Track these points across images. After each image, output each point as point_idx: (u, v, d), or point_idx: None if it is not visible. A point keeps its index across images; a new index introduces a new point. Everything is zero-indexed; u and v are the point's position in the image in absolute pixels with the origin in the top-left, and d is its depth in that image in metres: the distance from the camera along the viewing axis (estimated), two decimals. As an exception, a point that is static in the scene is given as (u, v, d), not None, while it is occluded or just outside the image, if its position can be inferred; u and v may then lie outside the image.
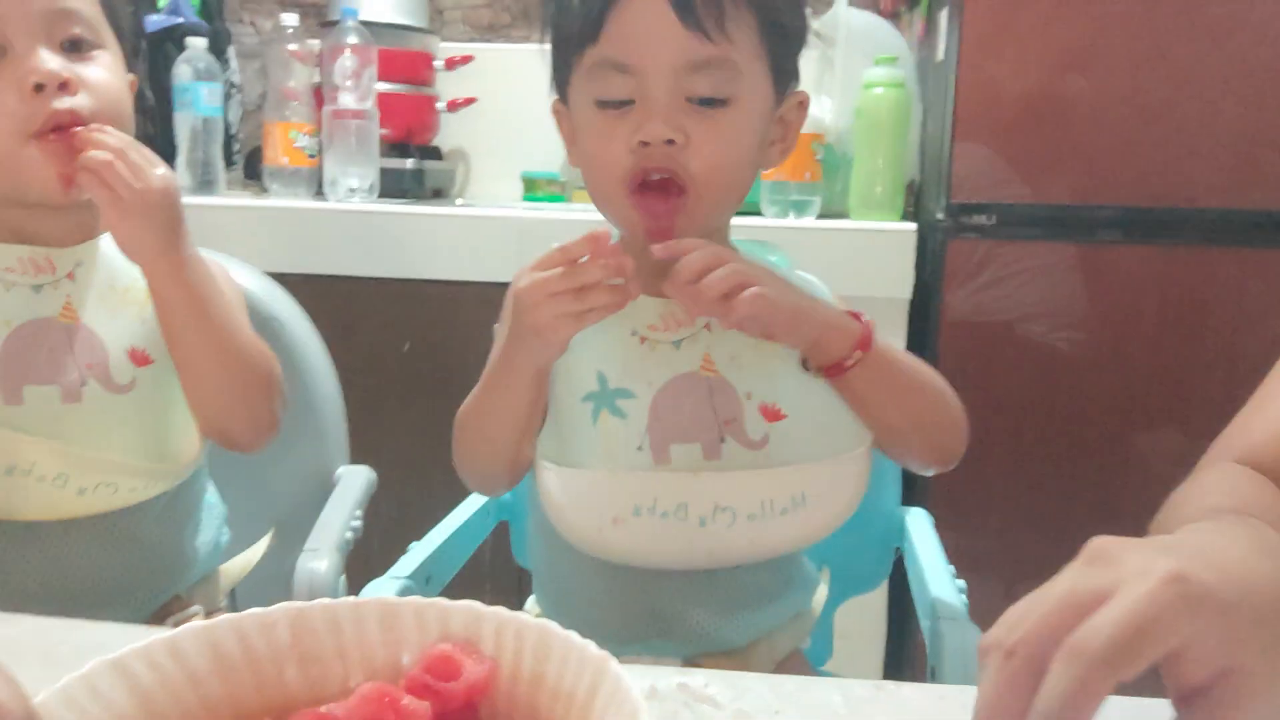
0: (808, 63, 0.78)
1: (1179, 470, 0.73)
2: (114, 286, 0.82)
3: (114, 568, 0.82)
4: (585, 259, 0.66)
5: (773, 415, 0.74)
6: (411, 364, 1.61)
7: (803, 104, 0.78)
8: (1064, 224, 1.51)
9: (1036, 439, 1.55)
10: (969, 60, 1.50)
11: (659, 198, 0.70)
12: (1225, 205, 1.47)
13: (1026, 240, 1.52)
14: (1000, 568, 1.55)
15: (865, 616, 1.57)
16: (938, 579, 0.86)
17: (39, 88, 0.74)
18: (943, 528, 0.99)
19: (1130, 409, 1.53)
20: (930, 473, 0.82)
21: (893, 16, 1.92)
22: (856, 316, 0.74)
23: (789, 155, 0.80)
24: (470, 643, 0.42)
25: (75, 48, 0.77)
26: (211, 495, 0.93)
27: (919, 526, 0.97)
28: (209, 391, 0.83)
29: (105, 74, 0.79)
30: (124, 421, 0.80)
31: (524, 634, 0.41)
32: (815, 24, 1.77)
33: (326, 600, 0.43)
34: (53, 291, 0.80)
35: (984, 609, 0.83)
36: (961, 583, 0.86)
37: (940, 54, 1.62)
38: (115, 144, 0.74)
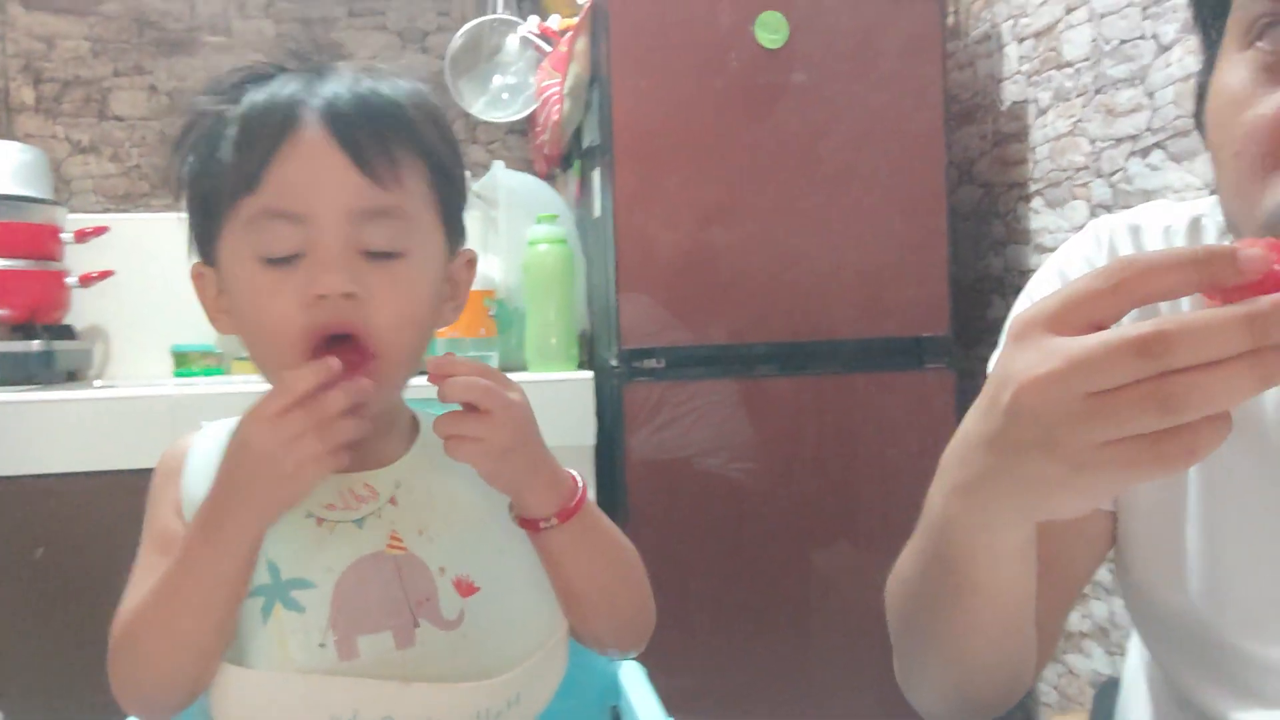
0: (472, 223, 0.77)
1: (857, 576, 0.76)
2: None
3: None
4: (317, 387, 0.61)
5: (467, 589, 0.69)
6: (44, 575, 1.39)
7: (471, 262, 0.77)
8: (726, 362, 1.61)
9: (725, 566, 1.61)
10: (624, 216, 1.59)
11: (344, 352, 0.64)
12: (859, 335, 1.64)
13: (694, 380, 1.60)
14: (713, 701, 1.56)
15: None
16: (656, 731, 0.84)
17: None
18: (654, 673, 0.97)
19: (803, 526, 1.63)
20: (616, 657, 0.79)
21: (549, 177, 2.01)
22: (575, 482, 0.71)
23: (460, 313, 0.78)
24: None
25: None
26: None
27: (632, 680, 0.95)
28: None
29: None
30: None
31: None
32: (475, 186, 1.81)
33: None
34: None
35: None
36: (680, 731, 0.84)
37: (597, 211, 1.70)
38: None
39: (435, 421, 0.65)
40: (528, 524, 0.69)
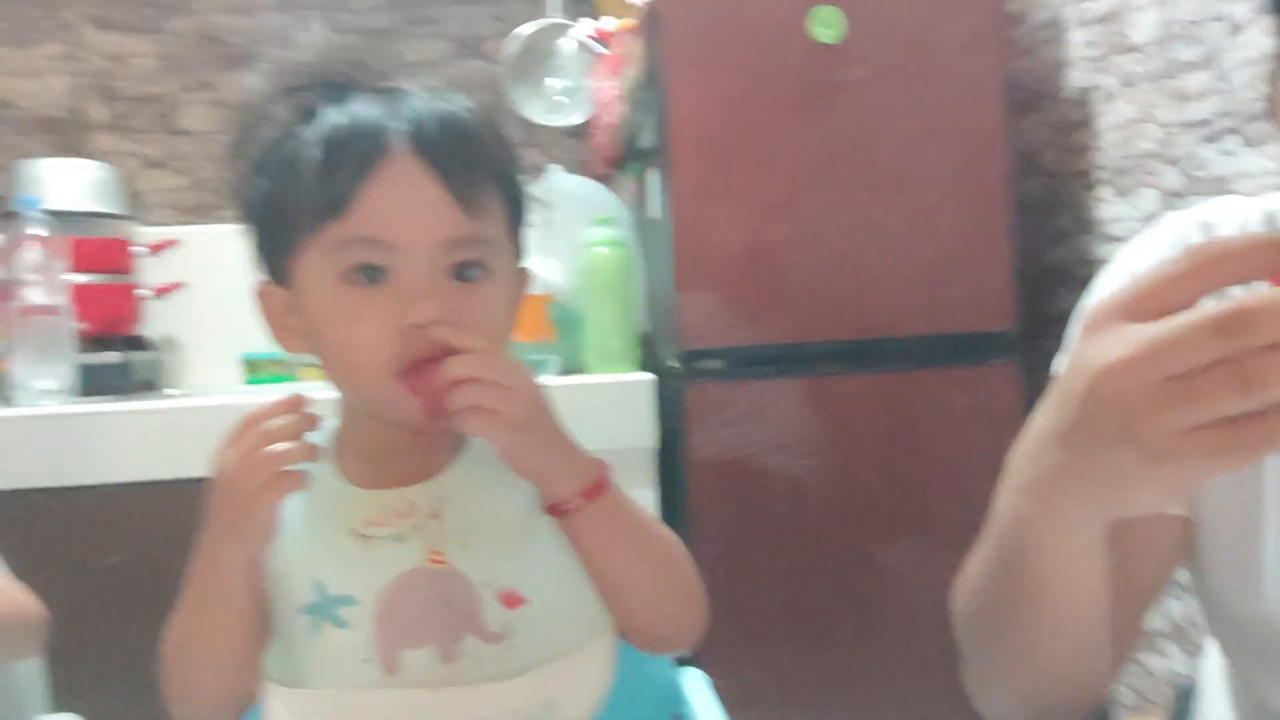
0: (531, 227, 0.77)
1: (924, 577, 0.75)
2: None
3: None
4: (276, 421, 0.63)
5: (512, 601, 0.68)
6: (123, 581, 1.43)
7: (529, 277, 0.77)
8: (787, 361, 1.60)
9: (791, 567, 1.59)
10: (682, 217, 1.59)
11: (432, 378, 0.64)
12: (922, 332, 1.61)
13: (756, 379, 1.59)
14: (777, 705, 1.55)
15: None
16: (719, 738, 0.83)
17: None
18: (718, 678, 0.96)
19: (869, 528, 1.61)
20: (667, 654, 0.78)
21: (605, 179, 2.01)
22: (601, 465, 0.70)
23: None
24: None
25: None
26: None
27: (696, 688, 0.94)
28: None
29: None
30: None
31: None
32: (533, 191, 1.82)
33: None
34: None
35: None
36: (745, 738, 0.84)
37: (654, 212, 1.70)
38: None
39: (452, 395, 0.65)
40: (555, 510, 0.69)
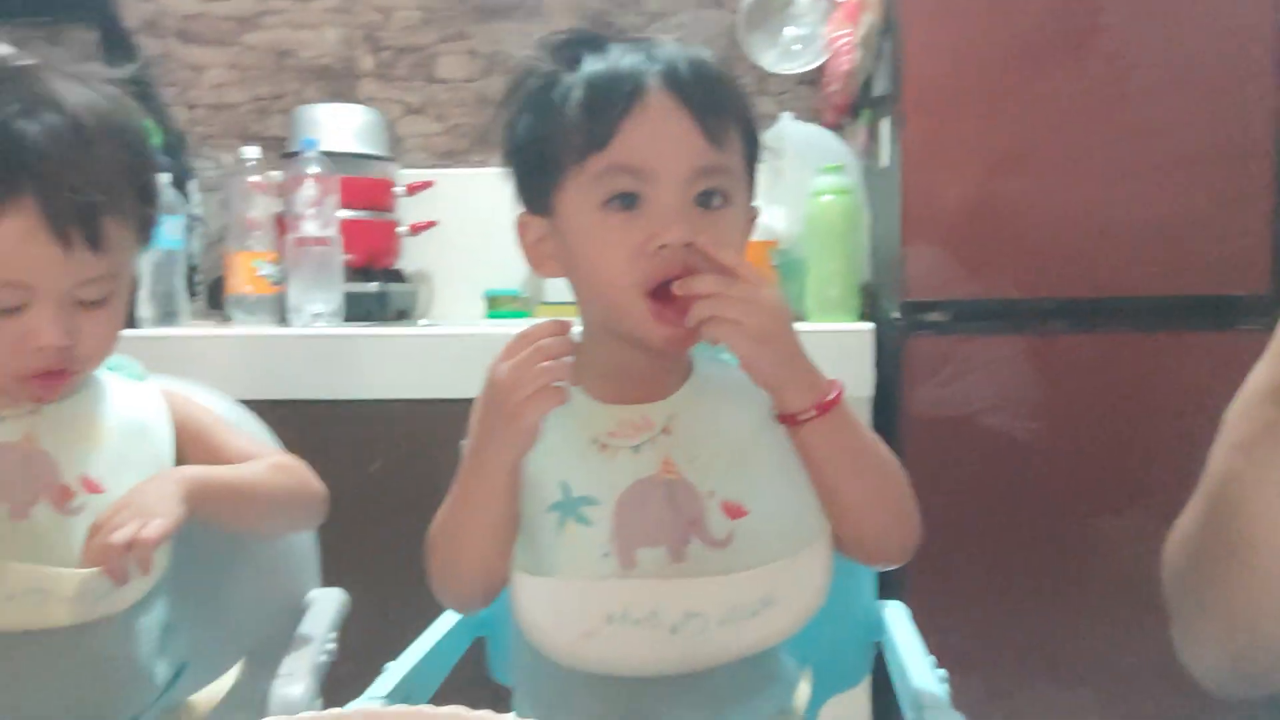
0: (759, 174, 0.81)
1: (1142, 548, 0.74)
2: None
3: (70, 688, 0.82)
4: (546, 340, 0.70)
5: (735, 512, 0.75)
6: (380, 484, 1.60)
7: (756, 216, 0.82)
8: (1014, 316, 1.56)
9: (1004, 527, 1.57)
10: (912, 166, 1.57)
11: (676, 300, 0.71)
12: (1162, 292, 1.53)
13: (980, 335, 1.56)
14: (978, 657, 1.54)
15: (850, 714, 1.54)
16: (919, 670, 0.86)
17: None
18: (919, 619, 0.99)
19: (1091, 492, 1.56)
20: (880, 567, 0.81)
21: (836, 127, 2.01)
22: (833, 383, 0.75)
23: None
24: (457, 748, 0.42)
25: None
26: (171, 617, 0.91)
27: (897, 620, 0.97)
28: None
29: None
30: None
31: (511, 736, 0.41)
32: (763, 138, 1.84)
33: (312, 713, 0.43)
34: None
35: (965, 698, 0.84)
36: (943, 672, 0.86)
37: (884, 161, 1.69)
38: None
39: (696, 305, 0.70)
40: (787, 419, 0.74)
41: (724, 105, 0.74)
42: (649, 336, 0.74)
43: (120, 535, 0.76)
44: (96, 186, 0.78)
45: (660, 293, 0.72)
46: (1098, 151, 1.53)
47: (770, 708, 0.80)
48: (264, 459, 0.94)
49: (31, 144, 0.76)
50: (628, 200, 0.72)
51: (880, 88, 1.72)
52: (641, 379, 0.78)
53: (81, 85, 0.80)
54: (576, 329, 0.76)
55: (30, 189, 0.75)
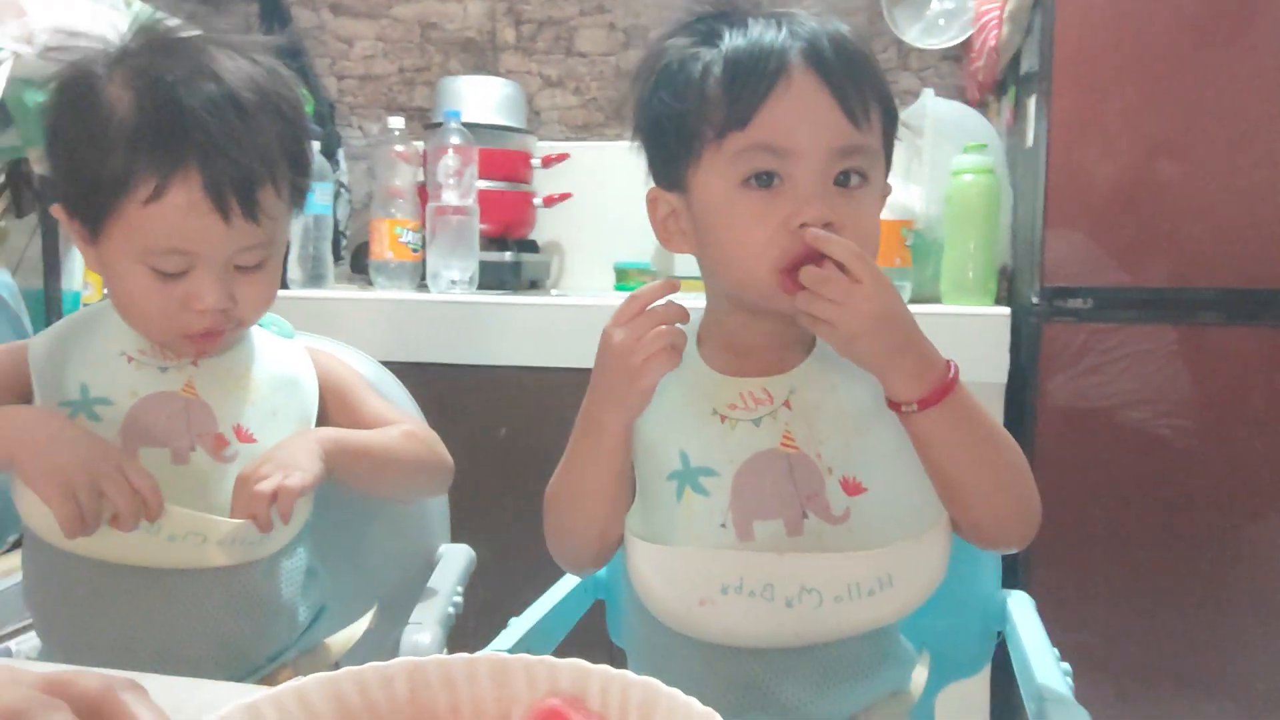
0: (896, 151, 0.80)
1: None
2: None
3: (221, 624, 0.87)
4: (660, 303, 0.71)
5: (854, 489, 0.75)
6: (508, 447, 1.65)
7: (889, 191, 0.81)
8: (1163, 306, 1.49)
9: (1138, 525, 1.51)
10: (1059, 146, 1.51)
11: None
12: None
13: (1124, 324, 1.50)
14: (1105, 656, 1.50)
15: (968, 702, 1.52)
16: (1043, 663, 0.84)
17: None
18: (1044, 612, 0.96)
19: (1239, 497, 1.48)
20: (999, 551, 0.79)
21: (980, 105, 1.95)
22: (947, 370, 0.72)
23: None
24: (577, 699, 0.43)
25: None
26: (313, 564, 0.96)
27: (1021, 610, 0.95)
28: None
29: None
30: None
31: (629, 691, 0.43)
32: (903, 114, 1.80)
33: (442, 656, 0.45)
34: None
35: (1090, 695, 0.81)
36: (1067, 666, 0.84)
37: (1029, 140, 1.63)
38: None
39: (798, 296, 0.70)
40: (894, 407, 0.73)
41: (865, 84, 0.73)
42: (781, 306, 0.73)
43: (265, 485, 0.81)
44: (256, 159, 0.82)
45: (795, 267, 0.72)
46: (1260, 135, 1.45)
47: (884, 688, 0.80)
48: (398, 425, 0.97)
49: (197, 118, 0.80)
50: (766, 179, 0.72)
51: (1028, 64, 1.66)
52: (764, 353, 0.79)
53: (242, 57, 0.84)
54: (694, 302, 0.77)
55: (196, 162, 0.79)
